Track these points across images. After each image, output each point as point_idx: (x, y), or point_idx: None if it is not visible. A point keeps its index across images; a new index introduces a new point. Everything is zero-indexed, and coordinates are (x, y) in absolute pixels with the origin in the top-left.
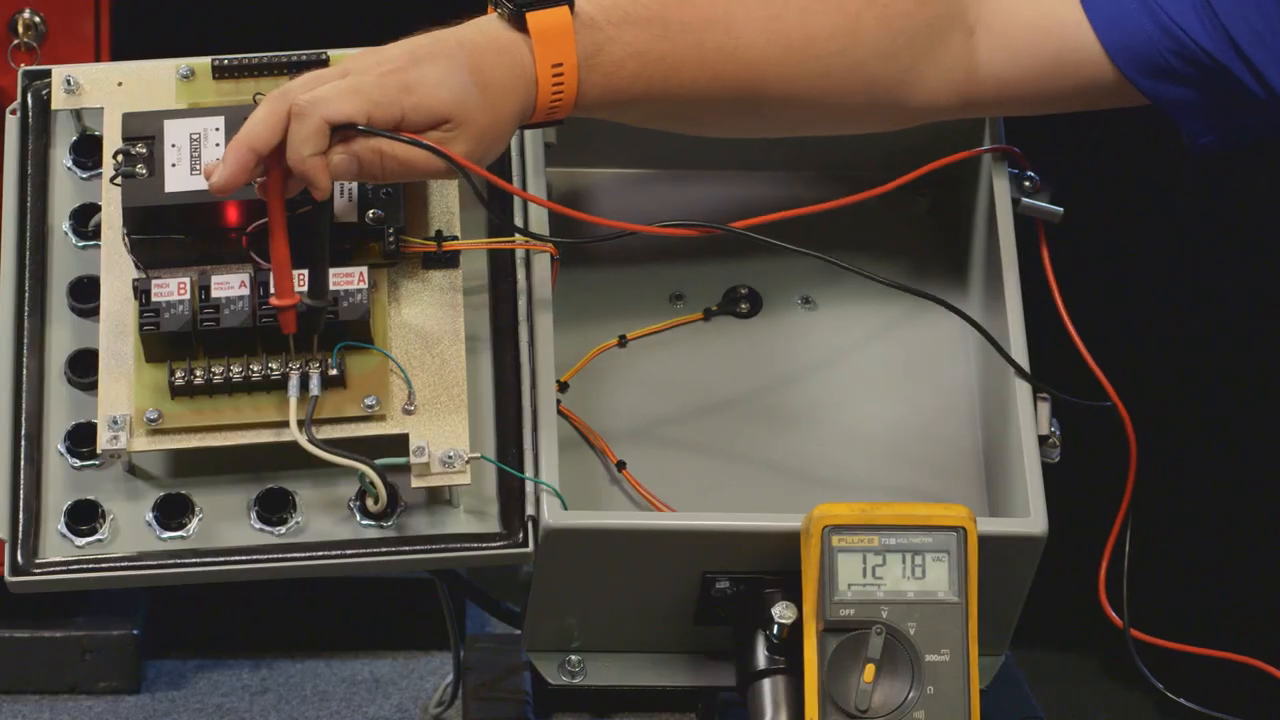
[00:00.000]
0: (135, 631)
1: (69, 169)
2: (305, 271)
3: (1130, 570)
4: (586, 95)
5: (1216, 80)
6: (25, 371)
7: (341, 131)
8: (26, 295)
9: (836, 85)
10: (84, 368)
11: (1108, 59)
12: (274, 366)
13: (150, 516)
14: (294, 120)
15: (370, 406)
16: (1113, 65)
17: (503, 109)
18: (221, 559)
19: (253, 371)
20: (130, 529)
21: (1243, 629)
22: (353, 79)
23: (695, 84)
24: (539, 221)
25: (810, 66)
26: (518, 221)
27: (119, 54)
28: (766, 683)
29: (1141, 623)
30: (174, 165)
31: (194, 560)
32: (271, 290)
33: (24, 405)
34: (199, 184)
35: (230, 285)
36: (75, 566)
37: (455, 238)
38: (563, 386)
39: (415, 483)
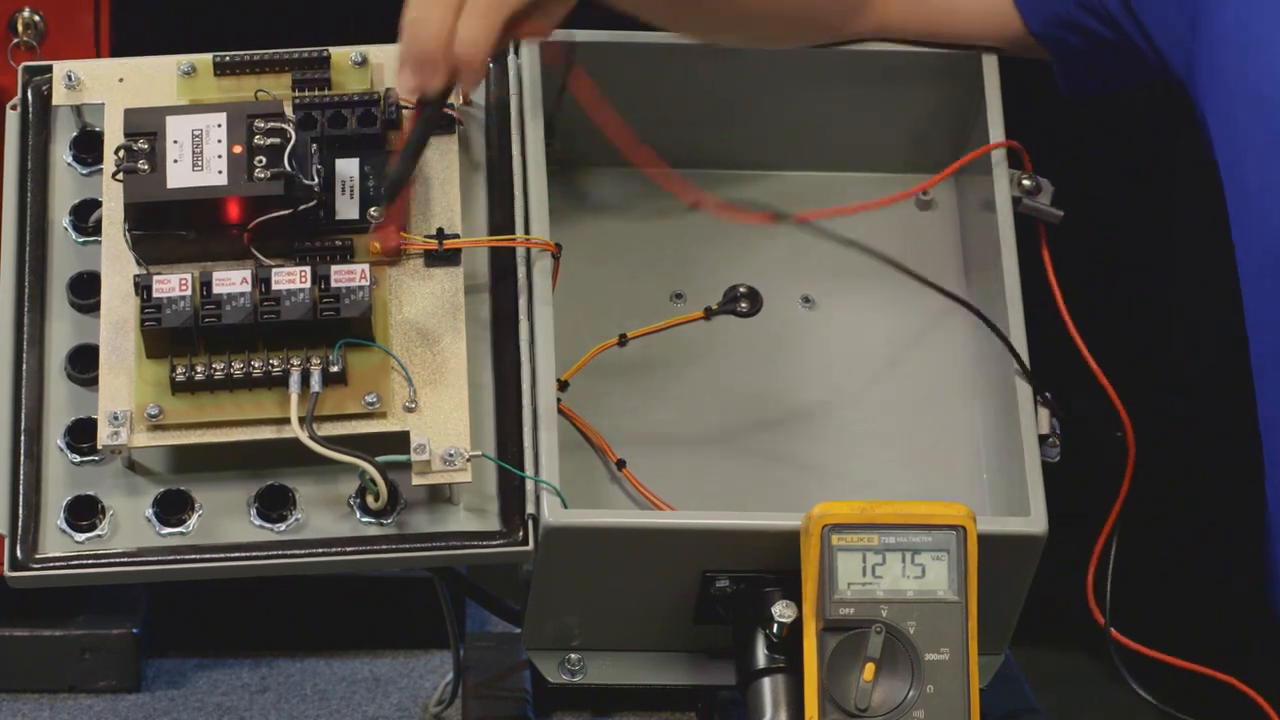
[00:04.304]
0: (135, 630)
1: (69, 164)
2: (306, 268)
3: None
4: None
5: (1110, 31)
6: (25, 367)
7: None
8: (26, 291)
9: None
10: (84, 363)
11: (1013, 7)
12: (275, 363)
13: (150, 512)
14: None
15: (371, 403)
16: (1016, 12)
17: None
18: (221, 555)
19: (254, 368)
20: (130, 525)
21: (1237, 640)
22: None
23: None
24: (541, 220)
25: None
26: (518, 221)
27: (118, 54)
28: (766, 681)
29: (1142, 626)
30: (176, 161)
31: (194, 556)
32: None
33: (24, 400)
34: (201, 180)
35: (232, 281)
36: (75, 562)
37: (457, 235)
38: (563, 385)
39: (416, 480)
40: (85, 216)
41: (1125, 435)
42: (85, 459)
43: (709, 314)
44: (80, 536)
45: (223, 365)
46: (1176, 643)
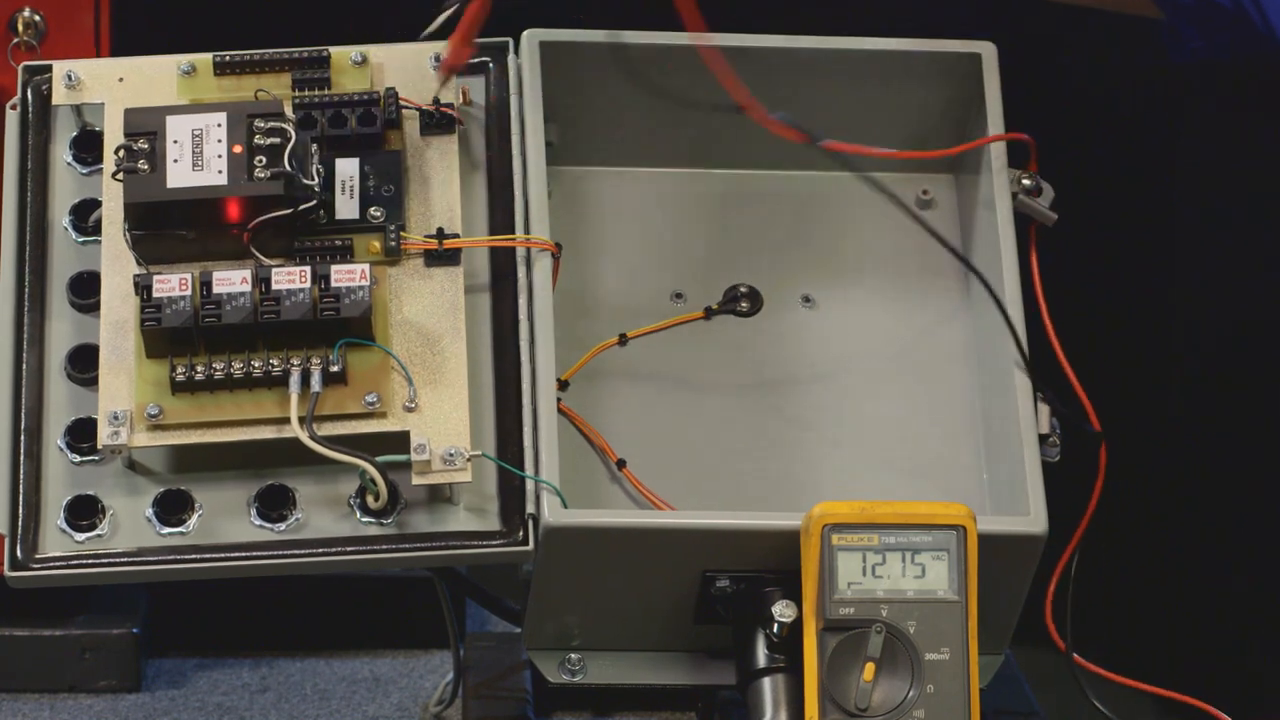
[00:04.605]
0: (135, 630)
1: (69, 164)
2: (306, 268)
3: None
4: None
5: None
6: (25, 367)
7: None
8: (26, 290)
9: None
10: (84, 363)
11: None
12: (275, 363)
13: (150, 512)
14: None
15: (371, 403)
16: None
17: None
18: (221, 555)
19: (254, 367)
20: (130, 524)
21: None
22: None
23: None
24: (541, 220)
25: None
26: (518, 220)
27: (118, 54)
28: (766, 681)
29: (1142, 628)
30: (176, 161)
31: (194, 556)
32: None
33: (24, 400)
34: (201, 180)
35: (232, 281)
36: (75, 562)
37: (457, 235)
38: (563, 385)
39: (416, 480)
40: (85, 216)
41: (1094, 430)
42: (85, 459)
43: (709, 314)
44: (80, 536)
45: (223, 365)
46: (1176, 645)
